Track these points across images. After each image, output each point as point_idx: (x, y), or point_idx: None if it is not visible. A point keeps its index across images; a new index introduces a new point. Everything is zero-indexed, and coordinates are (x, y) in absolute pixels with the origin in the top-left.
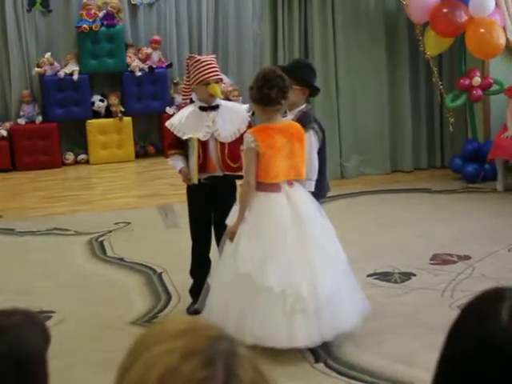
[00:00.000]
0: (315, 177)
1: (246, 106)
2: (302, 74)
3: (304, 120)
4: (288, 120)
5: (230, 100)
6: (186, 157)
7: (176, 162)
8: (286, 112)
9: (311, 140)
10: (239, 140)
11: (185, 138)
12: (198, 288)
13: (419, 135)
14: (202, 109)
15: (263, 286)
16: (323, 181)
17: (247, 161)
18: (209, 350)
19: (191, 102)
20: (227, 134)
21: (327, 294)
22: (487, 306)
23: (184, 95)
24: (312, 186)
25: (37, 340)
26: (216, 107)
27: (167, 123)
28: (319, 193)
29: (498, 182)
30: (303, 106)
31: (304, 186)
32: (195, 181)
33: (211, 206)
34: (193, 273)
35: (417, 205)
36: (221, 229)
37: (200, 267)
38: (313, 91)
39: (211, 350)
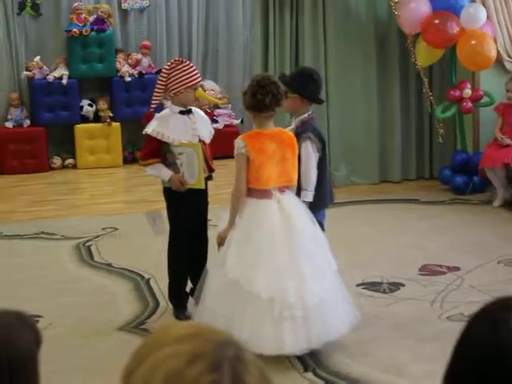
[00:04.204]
0: (312, 187)
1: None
2: (297, 83)
3: (302, 129)
4: (288, 128)
5: (219, 108)
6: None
7: (161, 170)
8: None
9: (307, 150)
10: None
11: (176, 144)
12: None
13: (408, 145)
14: (181, 113)
15: (251, 292)
16: (324, 191)
17: (238, 167)
18: (215, 355)
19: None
20: (206, 135)
21: (315, 301)
22: (497, 314)
23: (156, 100)
24: (308, 197)
25: (29, 340)
26: (190, 110)
27: (149, 131)
28: (320, 203)
29: (497, 197)
30: (305, 116)
31: (300, 196)
32: (201, 185)
33: (195, 210)
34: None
35: (405, 215)
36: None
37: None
38: (312, 101)
39: (217, 355)
